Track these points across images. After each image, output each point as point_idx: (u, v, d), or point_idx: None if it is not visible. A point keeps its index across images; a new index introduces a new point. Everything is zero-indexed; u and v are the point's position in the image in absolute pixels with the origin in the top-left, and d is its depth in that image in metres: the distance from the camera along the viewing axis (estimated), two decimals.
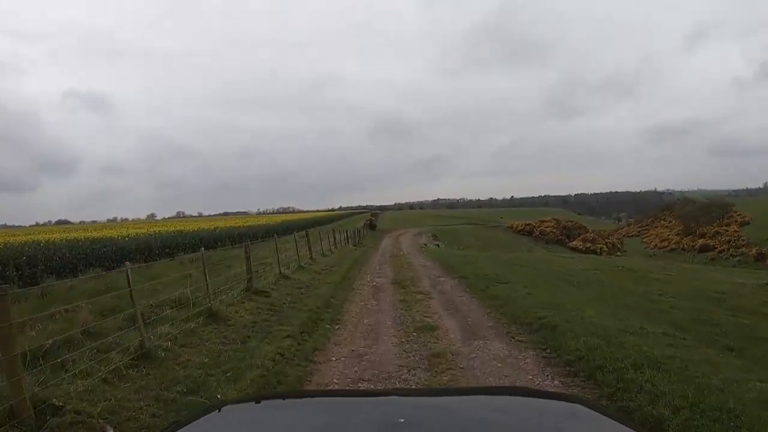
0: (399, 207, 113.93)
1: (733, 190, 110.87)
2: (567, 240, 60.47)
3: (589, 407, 1.51)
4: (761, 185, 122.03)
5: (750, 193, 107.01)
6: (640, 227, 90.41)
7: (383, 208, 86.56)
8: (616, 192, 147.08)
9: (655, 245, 67.41)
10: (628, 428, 1.30)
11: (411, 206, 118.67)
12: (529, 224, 62.11)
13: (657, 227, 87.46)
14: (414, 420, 1.25)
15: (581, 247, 57.47)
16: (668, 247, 59.59)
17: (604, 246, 58.00)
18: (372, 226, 50.87)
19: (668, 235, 70.70)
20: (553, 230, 60.18)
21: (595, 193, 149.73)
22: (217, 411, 1.48)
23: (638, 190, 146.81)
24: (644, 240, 78.94)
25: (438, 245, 35.74)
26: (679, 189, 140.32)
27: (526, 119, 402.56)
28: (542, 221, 66.60)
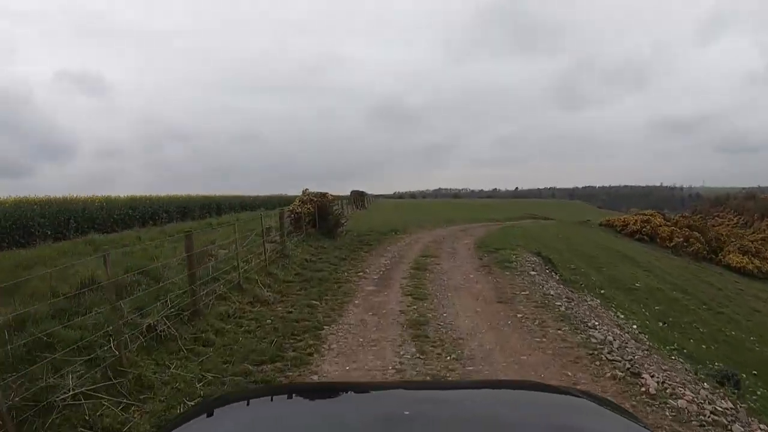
0: (399, 196, 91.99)
1: (744, 188, 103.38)
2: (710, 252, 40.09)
3: (597, 403, 1.49)
4: None
5: (762, 191, 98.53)
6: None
7: (380, 197, 65.32)
8: (627, 186, 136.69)
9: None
10: (635, 424, 1.29)
11: (412, 195, 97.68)
12: (645, 223, 41.93)
13: (715, 225, 74.48)
14: (419, 413, 1.24)
15: (750, 267, 36.64)
16: None
17: None
18: (330, 226, 14.52)
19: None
20: (694, 237, 40.02)
21: (602, 186, 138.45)
22: (217, 406, 1.46)
23: (644, 185, 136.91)
24: None
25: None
26: (687, 185, 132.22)
27: (531, 108, 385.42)
28: (641, 214, 46.24)
